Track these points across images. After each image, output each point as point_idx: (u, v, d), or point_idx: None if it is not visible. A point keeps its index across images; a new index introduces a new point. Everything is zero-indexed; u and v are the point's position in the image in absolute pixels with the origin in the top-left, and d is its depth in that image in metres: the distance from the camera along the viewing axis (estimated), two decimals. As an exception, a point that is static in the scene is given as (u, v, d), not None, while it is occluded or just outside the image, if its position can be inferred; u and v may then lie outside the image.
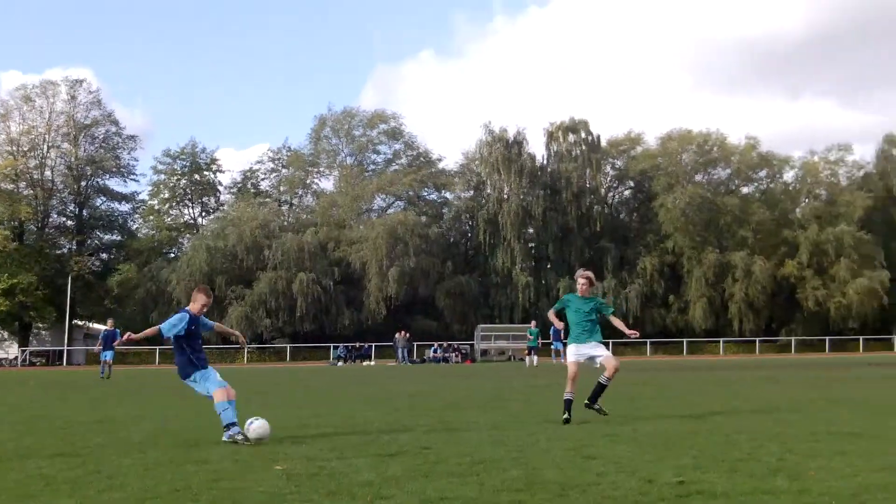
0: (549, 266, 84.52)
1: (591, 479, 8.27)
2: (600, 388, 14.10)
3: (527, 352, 51.72)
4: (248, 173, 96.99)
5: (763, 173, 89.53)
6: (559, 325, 14.02)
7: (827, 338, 78.31)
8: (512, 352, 69.19)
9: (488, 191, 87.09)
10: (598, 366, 13.99)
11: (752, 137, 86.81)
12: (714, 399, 19.49)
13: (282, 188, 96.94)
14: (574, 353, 13.76)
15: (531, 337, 50.27)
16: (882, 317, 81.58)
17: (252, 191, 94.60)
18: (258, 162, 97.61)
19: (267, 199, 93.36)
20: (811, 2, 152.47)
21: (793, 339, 79.94)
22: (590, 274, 14.11)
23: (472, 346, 72.99)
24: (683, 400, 19.32)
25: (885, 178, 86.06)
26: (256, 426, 11.55)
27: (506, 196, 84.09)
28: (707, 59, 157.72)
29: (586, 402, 14.09)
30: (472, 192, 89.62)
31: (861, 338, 78.17)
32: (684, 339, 78.23)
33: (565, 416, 13.47)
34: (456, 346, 72.30)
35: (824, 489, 7.65)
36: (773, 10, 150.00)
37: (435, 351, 70.72)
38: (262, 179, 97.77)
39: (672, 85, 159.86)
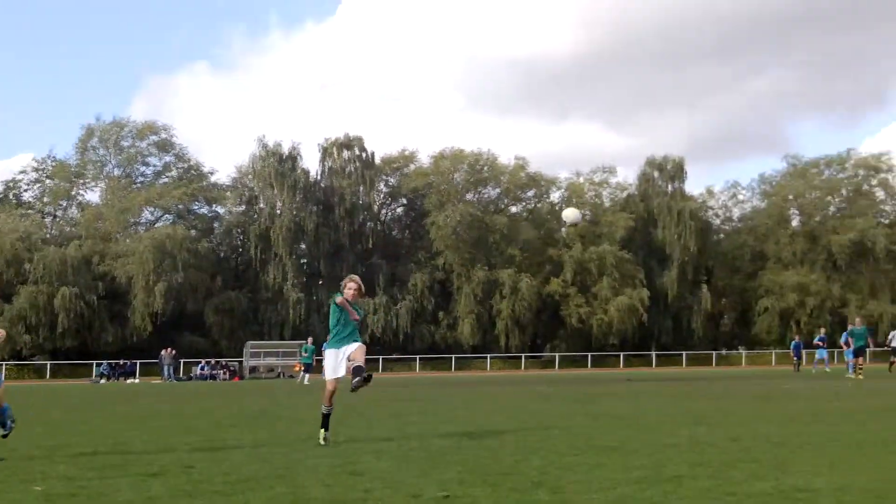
0: (320, 282, 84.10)
1: (357, 496, 8.27)
2: (359, 369, 13.03)
3: (298, 368, 51.37)
4: (11, 184, 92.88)
5: (531, 193, 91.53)
6: (350, 308, 13.22)
7: (589, 353, 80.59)
8: (281, 369, 68.64)
9: (261, 205, 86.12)
10: (350, 360, 13.16)
11: (521, 158, 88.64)
12: (479, 414, 19.78)
13: (45, 199, 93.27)
14: (333, 363, 13.23)
15: (305, 354, 50.03)
16: (641, 333, 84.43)
17: (14, 202, 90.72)
18: (21, 172, 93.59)
19: (30, 211, 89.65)
20: (578, 25, 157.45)
21: (557, 354, 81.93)
22: (359, 280, 13.73)
23: (240, 363, 72.03)
24: (450, 415, 19.54)
25: (647, 200, 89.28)
26: (569, 213, 12.27)
27: (278, 211, 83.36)
28: (479, 80, 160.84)
29: (352, 387, 13.11)
30: (244, 206, 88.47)
31: (621, 354, 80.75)
32: (453, 355, 79.14)
33: (323, 434, 13.10)
34: (224, 363, 71.21)
35: (584, 501, 7.85)
36: (542, 33, 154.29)
37: (202, 368, 69.46)
38: (25, 190, 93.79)
39: (446, 104, 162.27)
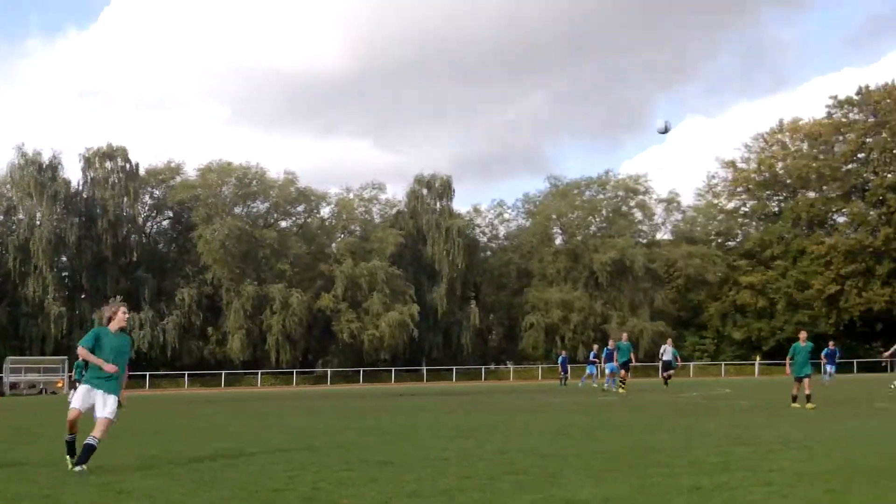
0: (83, 296, 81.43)
1: (125, 516, 8.09)
2: (88, 451, 11.61)
3: (61, 384, 49.69)
4: None
5: (301, 208, 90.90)
6: (96, 360, 11.95)
7: (361, 369, 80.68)
8: (44, 385, 66.29)
9: (20, 216, 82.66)
10: (94, 424, 11.84)
11: (290, 172, 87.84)
12: (250, 431, 19.58)
13: None
14: (83, 396, 11.92)
15: (75, 371, 48.43)
16: (412, 349, 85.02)
17: None
18: None
19: None
20: (345, 41, 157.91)
21: (329, 370, 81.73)
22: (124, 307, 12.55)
23: (0, 379, 69.07)
24: (220, 432, 19.28)
25: (416, 217, 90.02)
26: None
27: (38, 222, 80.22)
28: (246, 92, 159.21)
29: (76, 466, 11.59)
30: (1, 217, 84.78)
31: (393, 369, 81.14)
32: (222, 371, 77.88)
33: (69, 461, 11.88)
34: (-17, 379, 68.16)
35: (357, 516, 7.88)
36: (309, 47, 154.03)
37: (-43, 385, 66.35)
38: None
39: (212, 116, 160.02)
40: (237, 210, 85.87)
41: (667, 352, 46.20)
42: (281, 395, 50.88)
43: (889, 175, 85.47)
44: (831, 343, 51.18)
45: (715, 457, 12.14)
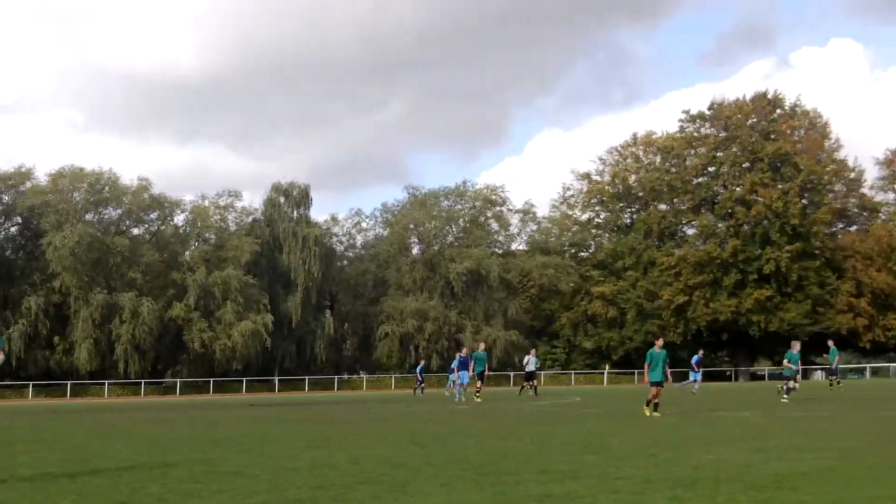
0: (-76, 304, 78.75)
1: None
2: None
3: None
4: None
5: (154, 215, 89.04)
6: None
7: (212, 379, 79.52)
8: None
9: None
10: None
11: (144, 179, 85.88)
12: (95, 442, 19.14)
13: None
14: None
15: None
16: (264, 358, 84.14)
17: None
18: None
19: None
20: (204, 46, 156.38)
21: (178, 380, 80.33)
22: None
23: None
24: (66, 443, 18.81)
25: (273, 226, 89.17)
26: None
27: None
28: (102, 97, 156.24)
29: None
30: None
31: (245, 379, 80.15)
32: (68, 382, 75.90)
33: None
34: None
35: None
36: (165, 51, 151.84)
37: None
38: None
39: (66, 121, 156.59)
40: (89, 217, 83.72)
41: (530, 362, 46.88)
42: (129, 405, 49.90)
43: (738, 188, 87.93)
44: (700, 351, 52.51)
45: (564, 465, 12.28)
